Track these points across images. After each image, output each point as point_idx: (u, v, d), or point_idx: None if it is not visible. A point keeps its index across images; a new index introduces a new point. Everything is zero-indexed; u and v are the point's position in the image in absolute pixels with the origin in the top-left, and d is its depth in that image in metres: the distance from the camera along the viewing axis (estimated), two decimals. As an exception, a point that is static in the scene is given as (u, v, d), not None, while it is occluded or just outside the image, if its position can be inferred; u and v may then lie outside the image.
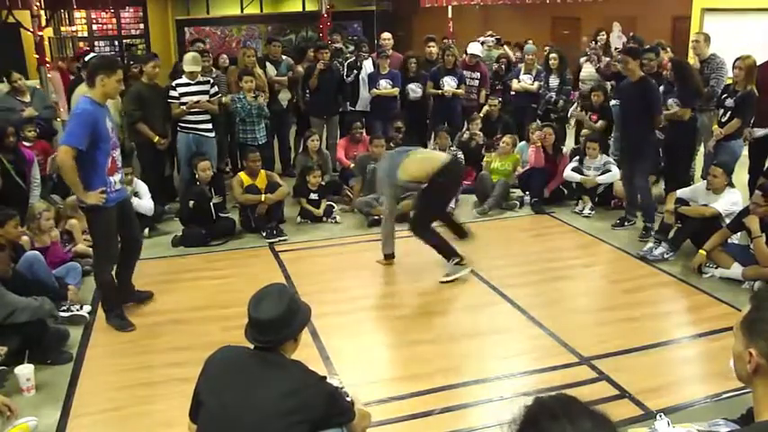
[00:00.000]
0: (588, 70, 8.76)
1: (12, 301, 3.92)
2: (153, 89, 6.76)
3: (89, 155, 4.16)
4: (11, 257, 4.53)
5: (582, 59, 9.11)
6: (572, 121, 8.59)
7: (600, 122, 7.79)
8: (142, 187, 6.26)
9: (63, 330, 4.35)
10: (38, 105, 6.99)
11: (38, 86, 7.73)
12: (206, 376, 2.42)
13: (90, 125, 4.11)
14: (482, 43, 9.98)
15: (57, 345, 4.19)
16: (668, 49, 7.94)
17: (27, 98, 6.96)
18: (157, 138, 6.69)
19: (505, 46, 10.24)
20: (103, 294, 4.65)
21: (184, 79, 6.88)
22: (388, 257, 5.59)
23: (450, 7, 11.84)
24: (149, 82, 6.73)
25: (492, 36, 10.45)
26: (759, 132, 6.41)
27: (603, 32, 9.47)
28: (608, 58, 8.70)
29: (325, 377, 2.51)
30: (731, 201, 5.44)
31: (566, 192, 7.27)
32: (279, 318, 2.35)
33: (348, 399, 2.55)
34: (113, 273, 4.63)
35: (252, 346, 2.42)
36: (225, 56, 8.72)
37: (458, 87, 8.09)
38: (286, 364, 2.41)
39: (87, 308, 4.75)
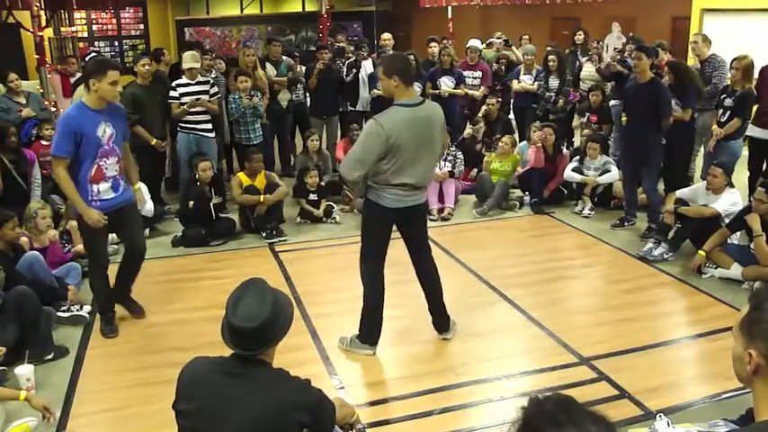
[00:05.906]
0: (589, 70, 8.75)
1: None
2: (149, 90, 6.69)
3: (74, 161, 4.05)
4: (10, 258, 4.53)
5: (583, 59, 9.10)
6: (575, 122, 8.58)
7: (605, 127, 7.82)
8: (142, 188, 6.24)
9: (48, 311, 4.34)
10: (34, 107, 6.98)
11: (36, 88, 7.72)
12: (178, 396, 2.26)
13: (71, 132, 3.99)
14: (489, 44, 9.96)
15: (50, 330, 4.22)
16: (668, 51, 7.93)
17: (22, 100, 6.95)
18: (155, 140, 6.67)
19: (514, 47, 10.21)
20: (94, 297, 4.67)
21: (184, 79, 6.87)
22: None
23: (449, 7, 11.82)
24: (143, 82, 6.68)
25: (500, 38, 10.42)
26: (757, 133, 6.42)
27: (581, 32, 9.45)
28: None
29: (309, 381, 2.32)
30: (731, 201, 5.44)
31: (566, 192, 7.27)
32: (261, 326, 2.15)
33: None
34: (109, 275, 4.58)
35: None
36: (221, 60, 8.49)
37: (455, 87, 8.08)
38: (265, 377, 2.22)
39: (87, 308, 4.75)
